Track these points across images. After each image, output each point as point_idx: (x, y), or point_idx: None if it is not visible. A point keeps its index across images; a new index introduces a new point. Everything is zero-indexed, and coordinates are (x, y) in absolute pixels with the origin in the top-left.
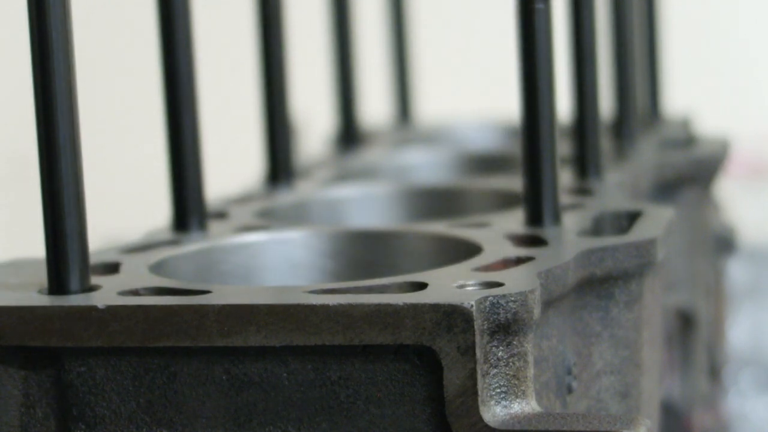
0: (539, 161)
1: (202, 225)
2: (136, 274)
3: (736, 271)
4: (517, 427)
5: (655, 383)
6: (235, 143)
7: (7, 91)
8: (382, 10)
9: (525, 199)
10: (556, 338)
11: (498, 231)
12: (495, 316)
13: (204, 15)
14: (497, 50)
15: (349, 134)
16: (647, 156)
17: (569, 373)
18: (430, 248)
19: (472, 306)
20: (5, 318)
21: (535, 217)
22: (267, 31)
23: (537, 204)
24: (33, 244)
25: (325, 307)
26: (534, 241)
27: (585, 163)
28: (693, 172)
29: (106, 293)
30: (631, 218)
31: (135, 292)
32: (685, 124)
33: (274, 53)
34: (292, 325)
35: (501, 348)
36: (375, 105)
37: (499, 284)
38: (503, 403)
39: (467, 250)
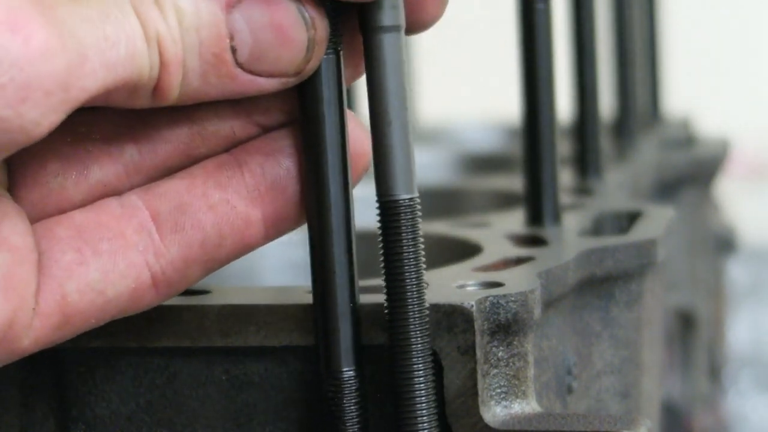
0: (539, 161)
1: None
2: None
3: (736, 271)
4: (518, 427)
5: (655, 383)
6: None
7: None
8: None
9: (525, 199)
10: (556, 338)
11: (498, 231)
12: (495, 316)
13: None
14: (497, 50)
15: None
16: (647, 156)
17: (569, 373)
18: (430, 248)
19: (472, 306)
20: None
21: (535, 217)
22: None
23: (537, 204)
24: None
25: None
26: (534, 241)
27: (585, 163)
28: (693, 172)
29: None
30: (631, 218)
31: None
32: (685, 124)
33: None
34: (292, 325)
35: (501, 348)
36: None
37: (499, 284)
38: (503, 403)
39: (467, 250)
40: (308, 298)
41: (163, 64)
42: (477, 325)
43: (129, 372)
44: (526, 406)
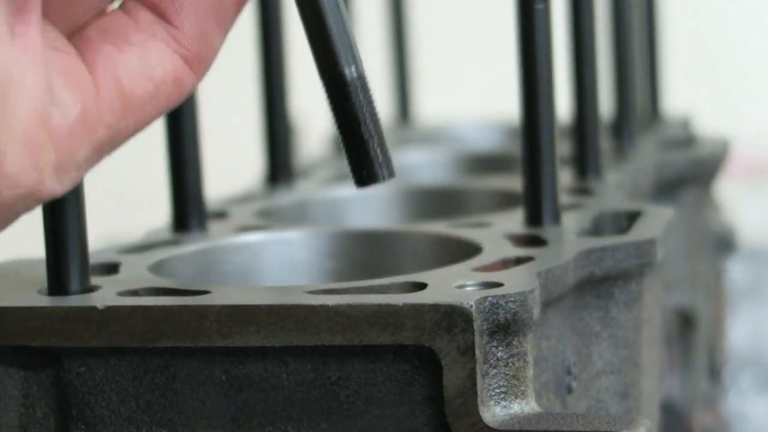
0: (539, 161)
1: (202, 225)
2: (136, 274)
3: (736, 271)
4: (517, 427)
5: (655, 383)
6: (235, 143)
7: None
8: (382, 10)
9: (525, 199)
10: (555, 338)
11: (498, 231)
12: (494, 317)
13: None
14: (497, 50)
15: None
16: (647, 156)
17: (569, 373)
18: (430, 248)
19: (471, 306)
20: (5, 318)
21: (535, 217)
22: (267, 31)
23: (537, 204)
24: (33, 244)
25: (325, 308)
26: (534, 241)
27: (585, 163)
28: (693, 172)
29: (106, 293)
30: (631, 218)
31: (134, 293)
32: (685, 124)
33: (274, 53)
34: (292, 325)
35: (500, 348)
36: None
37: (499, 284)
38: (503, 403)
39: (467, 250)
40: (308, 298)
41: None
42: (476, 325)
43: (129, 372)
44: (525, 406)
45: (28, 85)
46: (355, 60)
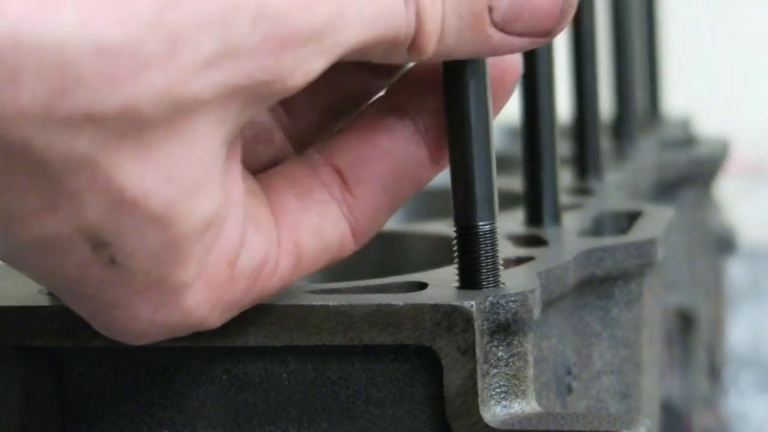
0: (539, 161)
1: None
2: None
3: (736, 271)
4: (517, 427)
5: (655, 383)
6: None
7: None
8: None
9: (525, 199)
10: (556, 338)
11: (498, 231)
12: (495, 316)
13: None
14: None
15: None
16: (647, 156)
17: (569, 373)
18: (430, 248)
19: (472, 306)
20: (5, 318)
21: (535, 217)
22: None
23: (537, 204)
24: None
25: (325, 307)
26: (534, 241)
27: (585, 163)
28: (693, 172)
29: None
30: (631, 218)
31: None
32: (685, 124)
33: None
34: (292, 325)
35: (501, 348)
36: None
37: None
38: (503, 403)
39: None
40: (308, 298)
41: (419, 22)
42: (477, 325)
43: (129, 372)
44: (525, 405)
45: (227, 226)
46: (492, 214)
